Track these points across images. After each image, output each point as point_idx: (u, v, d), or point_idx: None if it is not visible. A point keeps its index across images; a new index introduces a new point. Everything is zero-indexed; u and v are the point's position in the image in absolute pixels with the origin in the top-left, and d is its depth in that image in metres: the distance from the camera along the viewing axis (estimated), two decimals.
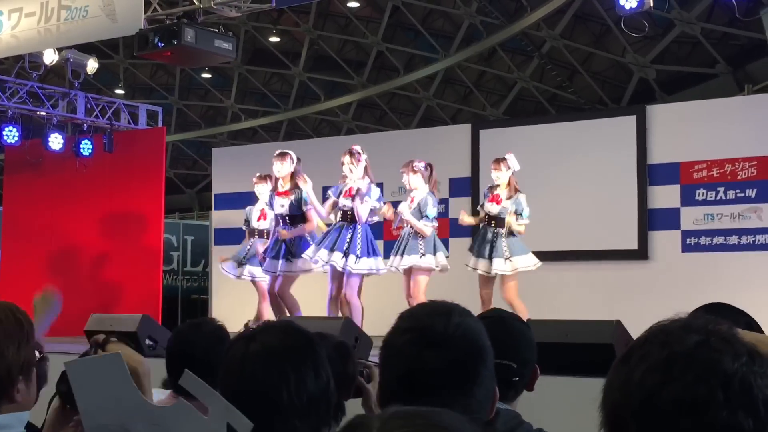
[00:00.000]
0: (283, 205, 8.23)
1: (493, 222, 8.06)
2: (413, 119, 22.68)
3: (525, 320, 2.51)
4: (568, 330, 5.34)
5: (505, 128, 11.52)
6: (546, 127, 11.02)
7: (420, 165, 8.16)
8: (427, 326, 1.58)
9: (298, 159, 8.42)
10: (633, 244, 10.07)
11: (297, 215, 8.17)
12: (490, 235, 8.04)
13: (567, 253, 10.32)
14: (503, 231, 8.01)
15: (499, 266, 7.96)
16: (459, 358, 1.56)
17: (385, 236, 10.44)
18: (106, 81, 22.93)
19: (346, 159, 7.96)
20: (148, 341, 7.00)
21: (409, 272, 7.98)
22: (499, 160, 8.11)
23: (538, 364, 2.40)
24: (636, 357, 1.10)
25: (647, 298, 9.45)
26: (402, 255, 7.91)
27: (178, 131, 25.52)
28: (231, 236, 11.98)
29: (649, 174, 10.06)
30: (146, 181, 11.90)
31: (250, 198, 12.09)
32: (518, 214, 8.01)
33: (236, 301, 10.68)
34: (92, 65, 11.83)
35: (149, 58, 12.54)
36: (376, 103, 23.21)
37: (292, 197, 8.18)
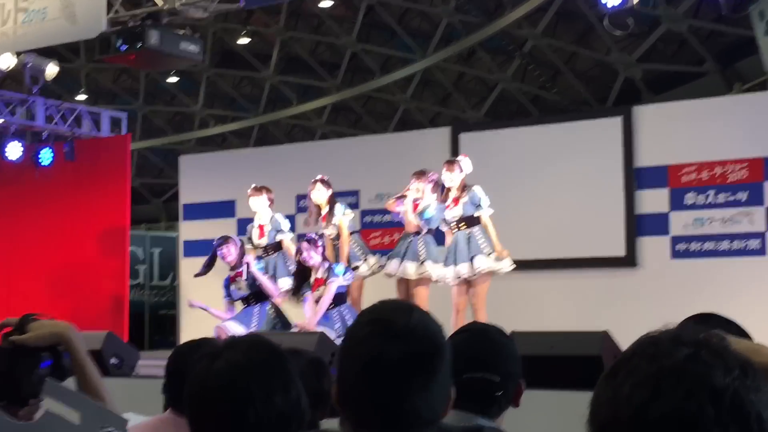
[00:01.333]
0: (240, 288, 8.44)
1: (462, 224, 8.13)
2: (390, 123, 22.69)
3: (507, 333, 2.51)
4: (553, 342, 5.35)
5: (487, 131, 11.55)
6: (529, 130, 11.06)
7: (435, 177, 8.51)
8: (390, 320, 1.66)
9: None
10: (620, 251, 10.11)
11: (257, 292, 8.42)
12: (463, 238, 8.08)
13: (552, 262, 10.34)
14: (476, 229, 8.08)
15: (482, 263, 7.98)
16: (419, 351, 1.64)
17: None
18: (67, 86, 22.79)
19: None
20: (113, 360, 6.95)
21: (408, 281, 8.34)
22: (453, 162, 8.29)
23: (522, 378, 2.40)
24: (624, 371, 1.10)
25: (636, 307, 9.48)
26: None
27: (144, 138, 25.40)
28: (200, 248, 11.93)
29: (636, 177, 10.10)
30: (110, 191, 11.84)
31: (220, 207, 12.04)
32: (477, 206, 8.14)
33: (206, 316, 10.62)
34: (52, 70, 11.77)
35: (112, 62, 12.49)
36: (351, 107, 23.21)
37: (245, 278, 8.43)
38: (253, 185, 9.02)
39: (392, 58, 21.38)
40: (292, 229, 10.28)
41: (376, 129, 22.41)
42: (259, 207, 8.92)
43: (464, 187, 8.23)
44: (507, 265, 8.09)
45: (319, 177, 8.84)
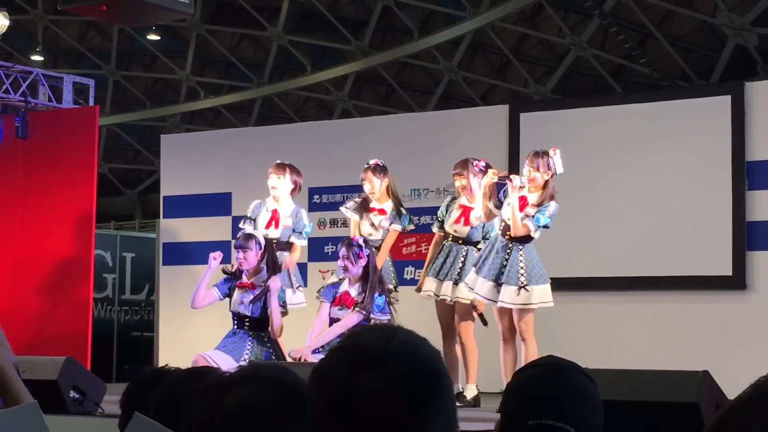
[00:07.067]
0: (243, 302, 8.24)
1: (507, 234, 7.93)
2: (431, 98, 22.71)
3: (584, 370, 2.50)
4: (637, 384, 5.36)
5: (554, 111, 11.52)
6: (608, 111, 11.04)
7: (482, 164, 8.32)
8: (365, 343, 1.64)
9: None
10: (726, 269, 10.07)
11: (262, 319, 8.21)
12: (503, 251, 7.88)
13: (634, 281, 10.31)
14: (521, 247, 7.87)
15: (509, 297, 7.82)
16: (405, 377, 1.60)
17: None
18: (20, 44, 22.99)
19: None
20: (72, 393, 6.99)
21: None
22: (540, 155, 7.90)
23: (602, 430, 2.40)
24: (734, 424, 1.10)
25: (746, 341, 9.46)
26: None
27: (116, 112, 25.57)
28: (185, 253, 11.98)
29: (748, 174, 10.06)
30: (72, 178, 11.89)
31: (211, 201, 12.01)
32: (540, 227, 7.81)
33: (190, 340, 10.67)
34: (1, 22, 11.85)
35: (77, 14, 12.58)
36: (381, 77, 23.25)
37: (260, 295, 8.17)
38: (277, 161, 8.91)
39: (435, 14, 21.38)
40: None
41: (412, 105, 22.43)
42: (281, 191, 8.76)
43: (549, 197, 7.83)
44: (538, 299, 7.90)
45: (372, 163, 8.71)
